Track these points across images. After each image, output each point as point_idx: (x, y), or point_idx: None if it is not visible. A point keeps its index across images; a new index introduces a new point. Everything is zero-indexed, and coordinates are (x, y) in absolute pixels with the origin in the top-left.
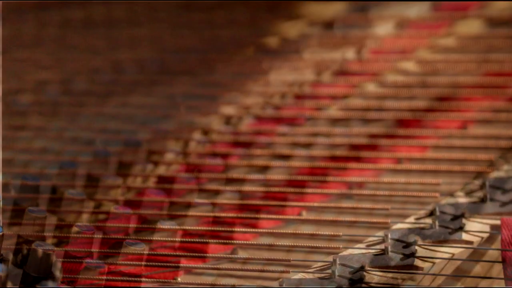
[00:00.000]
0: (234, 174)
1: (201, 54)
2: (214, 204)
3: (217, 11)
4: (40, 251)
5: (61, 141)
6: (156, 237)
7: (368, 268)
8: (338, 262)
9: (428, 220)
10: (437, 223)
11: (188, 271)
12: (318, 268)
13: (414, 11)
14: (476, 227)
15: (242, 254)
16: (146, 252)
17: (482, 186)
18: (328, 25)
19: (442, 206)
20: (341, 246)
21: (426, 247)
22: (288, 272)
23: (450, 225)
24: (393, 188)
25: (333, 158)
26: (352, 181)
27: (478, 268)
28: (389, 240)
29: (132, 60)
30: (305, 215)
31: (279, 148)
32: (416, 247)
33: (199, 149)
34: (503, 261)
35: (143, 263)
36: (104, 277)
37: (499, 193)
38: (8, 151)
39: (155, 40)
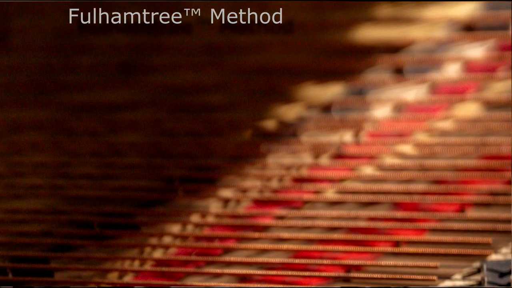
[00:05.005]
0: (232, 257)
1: (199, 137)
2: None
3: (215, 94)
4: None
5: (59, 223)
6: None
7: None
8: None
9: None
10: None
11: None
12: None
13: (412, 94)
14: None
15: None
16: None
17: (479, 269)
18: (326, 108)
19: None
20: None
21: None
22: None
23: None
24: (391, 271)
25: (331, 241)
26: (350, 264)
27: None
28: None
29: (130, 143)
30: None
31: (277, 231)
32: None
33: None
34: None
35: None
36: None
37: (497, 276)
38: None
39: (153, 124)
